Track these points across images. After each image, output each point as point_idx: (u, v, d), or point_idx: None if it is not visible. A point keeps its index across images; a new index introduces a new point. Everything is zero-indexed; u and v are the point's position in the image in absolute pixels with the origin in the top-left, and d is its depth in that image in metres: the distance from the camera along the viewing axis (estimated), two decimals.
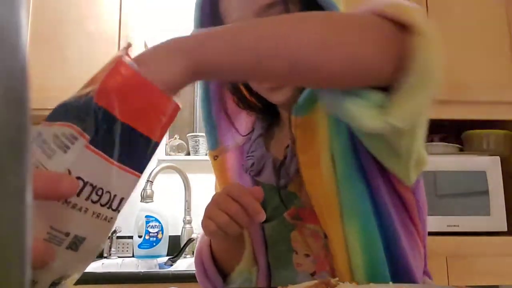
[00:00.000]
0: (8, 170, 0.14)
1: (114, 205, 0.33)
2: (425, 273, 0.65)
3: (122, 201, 0.33)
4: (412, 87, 0.43)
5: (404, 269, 0.59)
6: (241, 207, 0.54)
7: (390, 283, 0.49)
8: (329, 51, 0.41)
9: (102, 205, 0.32)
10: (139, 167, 0.34)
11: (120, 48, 0.37)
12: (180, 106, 0.37)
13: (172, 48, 0.40)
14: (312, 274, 0.63)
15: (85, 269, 0.34)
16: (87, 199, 0.31)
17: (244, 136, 0.72)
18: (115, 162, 0.32)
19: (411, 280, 0.59)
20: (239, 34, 0.40)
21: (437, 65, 0.45)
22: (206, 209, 0.58)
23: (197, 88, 2.35)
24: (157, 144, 0.35)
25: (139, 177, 0.34)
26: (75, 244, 0.31)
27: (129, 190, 0.34)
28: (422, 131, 0.51)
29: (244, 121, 0.74)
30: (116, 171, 0.32)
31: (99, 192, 0.31)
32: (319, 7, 0.56)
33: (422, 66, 0.43)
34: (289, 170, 0.64)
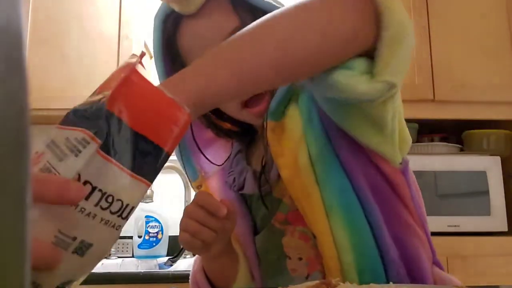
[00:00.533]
0: (8, 170, 0.14)
1: (124, 214, 0.33)
2: (436, 264, 0.63)
3: (132, 210, 0.33)
4: (392, 40, 0.44)
5: (401, 260, 0.57)
6: (208, 211, 0.56)
7: (391, 283, 0.49)
8: (303, 41, 0.42)
9: (112, 213, 0.32)
10: (150, 177, 0.34)
11: (132, 57, 0.36)
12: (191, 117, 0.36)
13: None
14: (307, 277, 0.62)
15: (87, 274, 0.34)
16: (96, 205, 0.31)
17: (219, 165, 0.72)
18: (127, 170, 0.32)
19: (416, 271, 0.58)
20: (219, 60, 0.41)
21: (406, 17, 0.46)
22: (179, 223, 0.60)
23: None
24: (167, 156, 0.34)
25: (149, 186, 0.34)
26: (81, 249, 0.31)
27: (138, 199, 0.34)
28: (399, 99, 0.53)
29: (222, 145, 0.74)
30: (128, 179, 0.32)
31: (109, 199, 0.31)
32: None
33: (395, 20, 0.44)
34: (269, 176, 0.64)
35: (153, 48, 0.65)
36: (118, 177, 0.31)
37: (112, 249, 1.89)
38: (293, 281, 0.61)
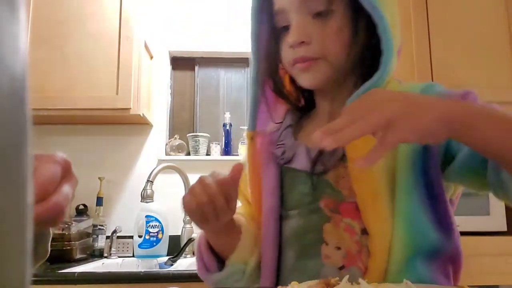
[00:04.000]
0: (8, 170, 0.14)
1: None
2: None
3: None
4: None
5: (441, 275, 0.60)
6: (220, 191, 0.59)
7: (405, 281, 0.49)
8: None
9: None
10: None
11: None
12: None
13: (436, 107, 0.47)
14: (340, 268, 0.62)
15: None
16: None
17: (276, 123, 0.75)
18: None
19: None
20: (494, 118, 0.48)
21: None
22: (191, 187, 0.62)
23: (198, 88, 2.35)
24: None
25: None
26: None
27: None
28: None
29: (279, 111, 0.77)
30: None
31: None
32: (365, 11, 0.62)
33: None
34: (328, 160, 0.65)
35: (251, 10, 0.71)
36: None
37: (112, 249, 1.89)
38: (323, 267, 0.63)
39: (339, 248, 0.63)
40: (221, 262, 0.69)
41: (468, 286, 0.50)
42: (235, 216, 0.67)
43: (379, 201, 0.60)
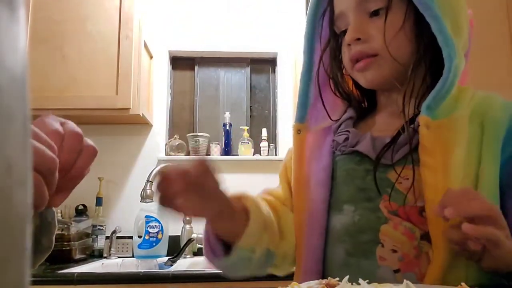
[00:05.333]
0: (8, 169, 0.14)
1: None
2: None
3: None
4: None
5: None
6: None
7: (406, 281, 0.49)
8: None
9: None
10: None
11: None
12: None
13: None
14: (396, 271, 0.61)
15: None
16: None
17: (334, 121, 0.74)
18: None
19: None
20: None
21: None
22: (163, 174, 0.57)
23: (197, 88, 2.35)
24: None
25: None
26: None
27: None
28: None
29: (338, 109, 0.76)
30: None
31: None
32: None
33: None
34: (394, 156, 0.63)
35: (308, 12, 0.73)
36: None
37: (112, 249, 1.89)
38: (378, 269, 0.61)
39: (395, 251, 0.61)
40: (228, 246, 0.66)
41: (468, 286, 0.50)
42: (252, 199, 0.66)
43: None
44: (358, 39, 0.65)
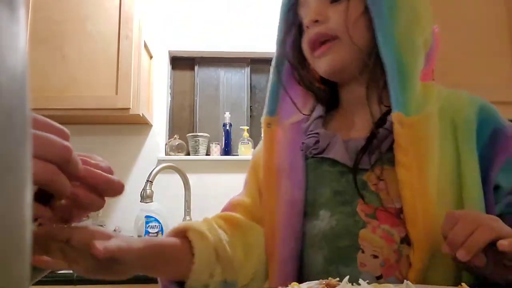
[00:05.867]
0: (8, 170, 0.14)
1: None
2: None
3: None
4: None
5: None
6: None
7: (406, 281, 0.49)
8: None
9: None
10: None
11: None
12: None
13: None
14: (378, 278, 0.59)
15: None
16: None
17: (304, 115, 0.72)
18: None
19: None
20: None
21: None
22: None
23: (197, 88, 2.35)
24: None
25: None
26: None
27: None
28: None
29: (308, 103, 0.74)
30: None
31: None
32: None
33: None
34: (369, 159, 0.62)
35: (281, 6, 0.72)
36: None
37: None
38: (360, 275, 0.58)
39: (376, 257, 0.59)
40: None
41: (468, 286, 0.50)
42: (197, 229, 0.58)
43: (431, 212, 0.57)
44: (316, 21, 0.64)
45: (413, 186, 0.58)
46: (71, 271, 1.47)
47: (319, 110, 0.72)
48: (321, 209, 0.65)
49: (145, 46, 2.02)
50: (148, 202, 1.79)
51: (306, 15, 0.67)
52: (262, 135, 0.73)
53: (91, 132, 2.09)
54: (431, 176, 0.59)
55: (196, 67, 2.38)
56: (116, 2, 1.87)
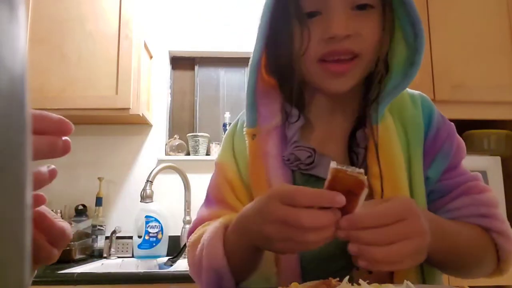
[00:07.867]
0: (8, 170, 0.14)
1: None
2: None
3: None
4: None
5: None
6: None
7: (391, 285, 0.49)
8: (478, 258, 0.62)
9: None
10: None
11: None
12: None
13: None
14: (370, 273, 0.59)
15: None
16: None
17: (285, 118, 0.68)
18: None
19: None
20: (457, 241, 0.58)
21: None
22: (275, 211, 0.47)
23: (197, 88, 2.35)
24: None
25: None
26: None
27: None
28: None
29: (274, 105, 0.70)
30: None
31: None
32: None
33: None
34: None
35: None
36: None
37: (112, 249, 1.89)
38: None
39: (370, 272, 0.59)
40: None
41: (469, 286, 0.50)
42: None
43: None
44: (348, 35, 0.58)
45: (385, 195, 0.60)
46: (71, 272, 1.47)
47: (302, 120, 0.67)
48: None
49: (145, 46, 2.02)
50: (148, 202, 1.79)
51: (329, 22, 0.58)
52: (223, 139, 0.74)
53: (91, 132, 2.09)
54: (401, 184, 0.61)
55: (196, 67, 2.37)
56: (115, 2, 1.87)
